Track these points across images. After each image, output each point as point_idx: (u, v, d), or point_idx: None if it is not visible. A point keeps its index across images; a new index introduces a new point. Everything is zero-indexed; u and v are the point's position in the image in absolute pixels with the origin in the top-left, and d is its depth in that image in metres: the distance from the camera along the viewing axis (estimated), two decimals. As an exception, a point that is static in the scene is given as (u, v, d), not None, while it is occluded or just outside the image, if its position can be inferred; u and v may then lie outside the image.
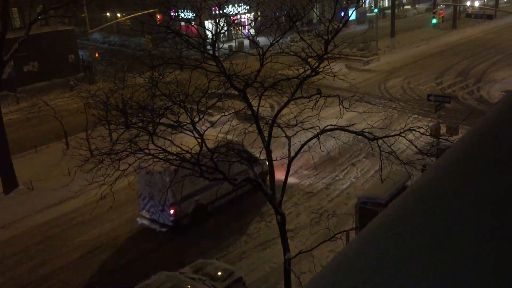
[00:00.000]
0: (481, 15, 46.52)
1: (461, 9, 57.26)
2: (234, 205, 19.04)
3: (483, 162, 1.92)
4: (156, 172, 16.47)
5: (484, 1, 73.93)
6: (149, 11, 24.24)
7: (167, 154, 11.21)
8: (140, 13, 28.73)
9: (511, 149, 1.99)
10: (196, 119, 11.47)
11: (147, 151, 11.32)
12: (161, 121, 12.54)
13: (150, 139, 11.33)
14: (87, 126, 22.93)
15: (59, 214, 20.07)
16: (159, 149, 11.23)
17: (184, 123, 11.66)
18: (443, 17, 55.58)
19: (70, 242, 17.93)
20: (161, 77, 12.63)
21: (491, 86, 33.15)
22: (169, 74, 12.67)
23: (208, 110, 12.77)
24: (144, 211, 17.85)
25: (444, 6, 58.50)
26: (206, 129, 11.85)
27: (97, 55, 43.75)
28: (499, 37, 49.95)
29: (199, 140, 11.26)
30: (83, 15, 42.71)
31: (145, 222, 17.80)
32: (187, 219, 17.45)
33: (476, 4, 69.47)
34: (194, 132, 11.31)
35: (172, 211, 16.85)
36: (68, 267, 16.51)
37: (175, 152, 11.33)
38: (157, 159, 11.34)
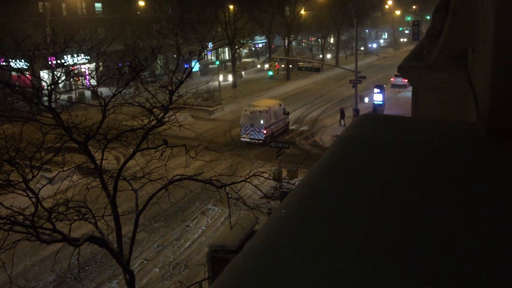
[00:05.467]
0: (310, 68, 51.57)
1: (293, 62, 62.87)
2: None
3: (320, 203, 2.04)
4: (257, 111, 32.81)
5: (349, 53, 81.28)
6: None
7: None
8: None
9: (341, 190, 2.15)
10: (30, 177, 10.42)
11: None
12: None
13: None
14: None
15: None
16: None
17: (16, 182, 10.50)
18: (278, 69, 60.49)
19: None
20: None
21: (323, 132, 36.58)
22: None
23: (45, 166, 11.77)
24: (244, 135, 32.97)
25: (279, 59, 63.72)
26: (42, 187, 10.82)
27: None
28: (325, 87, 55.83)
29: (34, 200, 10.21)
30: None
31: (247, 139, 32.75)
32: (269, 137, 32.52)
33: (329, 56, 77.03)
34: (27, 191, 10.25)
35: (265, 131, 32.51)
36: None
37: (4, 216, 10.06)
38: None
